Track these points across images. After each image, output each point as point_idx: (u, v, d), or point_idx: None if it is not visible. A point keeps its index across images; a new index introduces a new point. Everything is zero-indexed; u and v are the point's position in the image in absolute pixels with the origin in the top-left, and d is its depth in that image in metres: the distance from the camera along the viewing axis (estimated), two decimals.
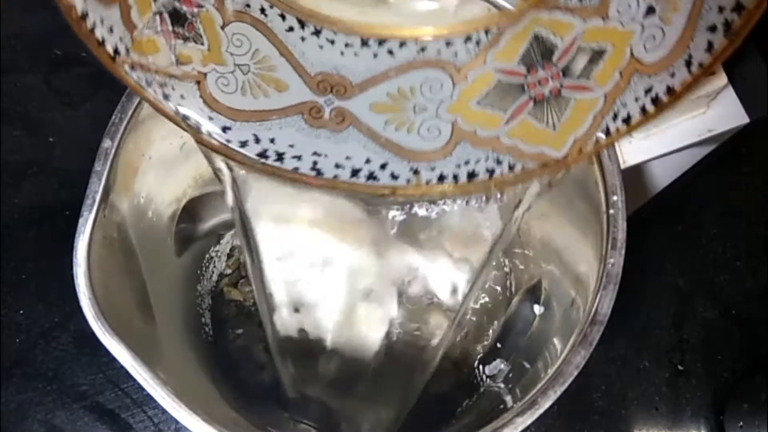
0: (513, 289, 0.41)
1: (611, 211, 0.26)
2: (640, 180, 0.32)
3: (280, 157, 0.25)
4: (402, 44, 0.25)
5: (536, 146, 0.25)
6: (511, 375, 0.35)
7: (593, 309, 0.25)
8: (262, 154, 0.25)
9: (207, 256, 0.42)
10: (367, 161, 0.26)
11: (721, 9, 0.21)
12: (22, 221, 0.44)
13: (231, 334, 0.40)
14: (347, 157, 0.26)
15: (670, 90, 0.23)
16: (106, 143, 0.26)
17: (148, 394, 0.24)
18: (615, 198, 0.26)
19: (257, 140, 0.25)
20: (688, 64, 0.22)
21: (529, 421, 0.24)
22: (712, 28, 0.22)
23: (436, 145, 0.25)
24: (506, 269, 0.42)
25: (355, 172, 0.26)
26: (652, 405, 0.41)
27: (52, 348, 0.41)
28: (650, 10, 0.22)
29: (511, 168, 0.25)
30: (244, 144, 0.25)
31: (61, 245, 0.44)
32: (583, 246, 0.29)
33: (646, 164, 0.30)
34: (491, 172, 0.25)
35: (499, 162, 0.25)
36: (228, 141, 0.25)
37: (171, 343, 0.31)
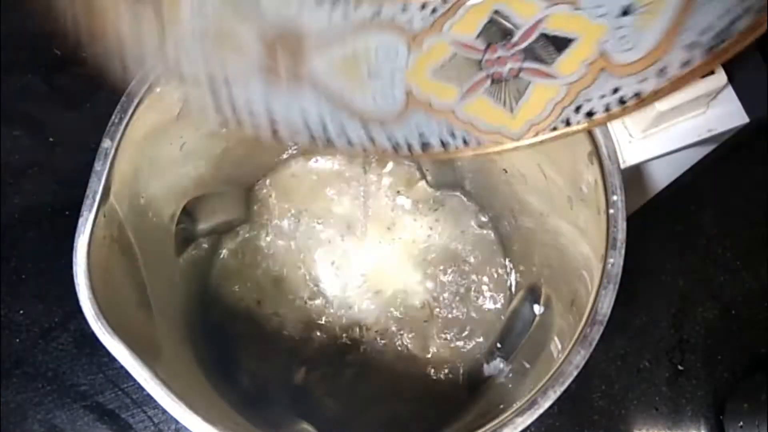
0: (513, 289, 0.41)
1: (611, 211, 0.26)
2: (640, 180, 0.32)
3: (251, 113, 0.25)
4: (357, 6, 0.25)
5: (492, 125, 0.24)
6: (511, 375, 0.35)
7: (593, 309, 0.25)
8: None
9: (207, 256, 0.42)
10: (319, 117, 0.25)
11: (703, 32, 0.21)
12: (22, 221, 0.44)
13: (231, 334, 0.40)
14: (304, 115, 0.25)
15: (637, 95, 0.22)
16: (106, 143, 0.26)
17: (148, 394, 0.24)
18: (615, 198, 0.26)
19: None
20: (661, 73, 0.22)
21: (529, 421, 0.24)
22: (692, 46, 0.21)
23: (390, 111, 0.25)
24: (506, 269, 0.42)
25: (312, 136, 0.25)
26: (652, 405, 0.41)
27: (52, 348, 0.41)
28: (626, 12, 0.21)
29: (465, 142, 0.24)
30: None
31: (61, 245, 0.44)
32: (583, 246, 0.29)
33: (646, 164, 0.30)
34: (445, 144, 0.25)
35: (453, 135, 0.24)
36: None
37: (171, 343, 0.31)
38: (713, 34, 0.21)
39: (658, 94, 0.22)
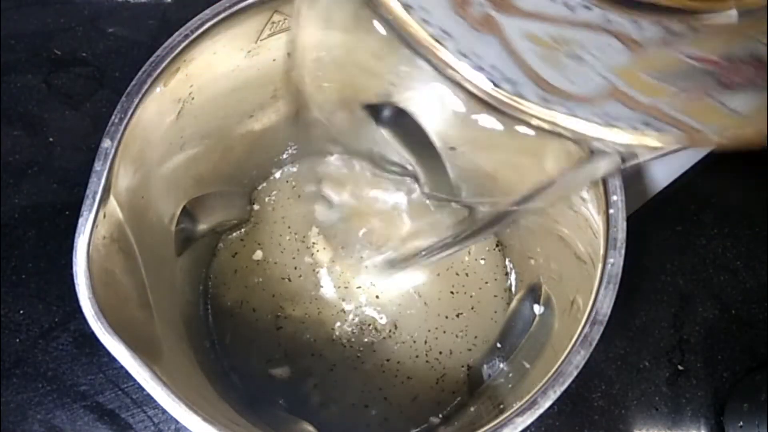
0: (513, 289, 0.41)
1: (611, 211, 0.26)
2: (640, 180, 0.32)
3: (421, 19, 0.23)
4: (587, 7, 0.23)
5: (700, 123, 0.22)
6: (511, 375, 0.35)
7: (593, 309, 0.25)
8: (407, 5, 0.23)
9: (207, 256, 0.42)
10: (493, 67, 0.23)
11: None
12: (22, 221, 0.44)
13: (231, 334, 0.40)
14: (475, 54, 0.23)
15: None
16: (106, 143, 0.26)
17: (148, 394, 0.24)
18: (615, 198, 0.26)
19: None
20: None
21: (529, 421, 0.24)
22: None
23: (581, 92, 0.23)
24: (506, 269, 0.42)
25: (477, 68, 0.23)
26: (652, 405, 0.41)
27: (52, 348, 0.41)
28: None
29: (657, 130, 0.22)
30: None
31: (61, 245, 0.44)
32: (583, 246, 0.29)
33: (646, 164, 0.30)
34: (634, 129, 0.23)
35: (647, 124, 0.23)
36: None
37: (171, 343, 0.31)
38: None
39: None
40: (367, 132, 0.40)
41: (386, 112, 0.37)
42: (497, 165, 0.36)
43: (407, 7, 0.23)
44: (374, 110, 0.37)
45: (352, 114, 0.38)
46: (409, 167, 0.41)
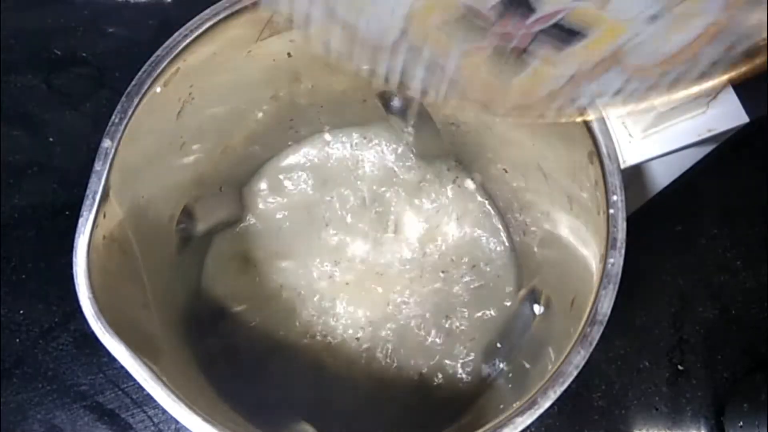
0: (513, 289, 0.41)
1: (611, 211, 0.26)
2: (640, 180, 0.32)
3: None
4: None
5: (480, 93, 0.24)
6: (511, 375, 0.35)
7: (593, 309, 0.25)
8: None
9: (206, 255, 0.42)
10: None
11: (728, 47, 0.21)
12: (22, 221, 0.44)
13: (230, 333, 0.40)
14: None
15: (637, 97, 0.22)
16: (106, 143, 0.27)
17: (148, 394, 0.24)
18: (615, 198, 0.26)
19: None
20: (672, 84, 0.22)
21: (529, 421, 0.24)
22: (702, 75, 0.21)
23: (385, 42, 0.24)
24: (507, 268, 0.42)
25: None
26: (652, 405, 0.41)
27: (52, 348, 0.41)
28: (653, 18, 0.21)
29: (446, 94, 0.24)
30: None
31: (61, 245, 0.44)
32: (583, 246, 0.29)
33: (646, 164, 0.30)
34: (425, 91, 0.24)
35: (437, 86, 0.24)
36: None
37: (171, 343, 0.31)
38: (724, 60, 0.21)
39: (659, 98, 0.22)
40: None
41: (395, 99, 0.37)
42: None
43: None
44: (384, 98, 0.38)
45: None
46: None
